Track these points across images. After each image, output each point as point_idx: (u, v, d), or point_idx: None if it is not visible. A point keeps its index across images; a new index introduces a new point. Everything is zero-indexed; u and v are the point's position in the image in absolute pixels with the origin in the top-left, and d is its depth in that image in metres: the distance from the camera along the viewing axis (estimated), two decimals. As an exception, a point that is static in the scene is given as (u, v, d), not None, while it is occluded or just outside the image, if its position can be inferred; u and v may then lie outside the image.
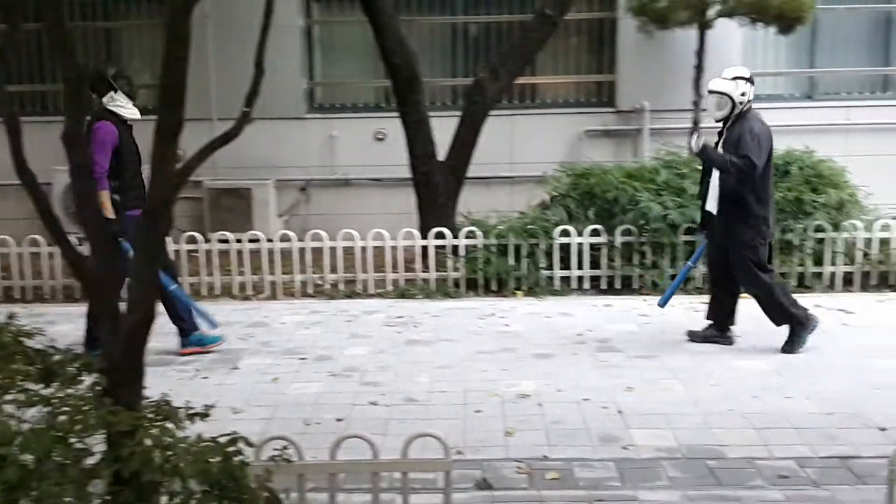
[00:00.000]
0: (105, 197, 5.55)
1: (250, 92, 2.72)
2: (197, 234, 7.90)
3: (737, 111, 5.74)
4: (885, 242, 7.63)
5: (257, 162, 9.93)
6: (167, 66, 2.46)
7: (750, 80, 5.76)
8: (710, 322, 6.15)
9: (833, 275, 7.64)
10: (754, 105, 5.84)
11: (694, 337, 6.17)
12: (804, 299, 6.14)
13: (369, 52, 9.99)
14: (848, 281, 7.64)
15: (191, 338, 6.06)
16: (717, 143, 5.90)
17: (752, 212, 5.72)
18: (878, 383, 5.22)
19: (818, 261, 7.63)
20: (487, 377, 5.48)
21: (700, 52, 9.16)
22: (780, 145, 7.97)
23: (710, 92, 5.82)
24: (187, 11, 2.40)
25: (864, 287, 7.61)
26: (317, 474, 3.24)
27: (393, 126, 9.14)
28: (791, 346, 5.86)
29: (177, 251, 7.74)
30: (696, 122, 9.26)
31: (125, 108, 5.74)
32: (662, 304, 6.27)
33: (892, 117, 10.12)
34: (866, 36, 10.42)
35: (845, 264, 7.63)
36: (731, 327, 6.12)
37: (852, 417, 4.68)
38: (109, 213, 5.55)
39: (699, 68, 9.18)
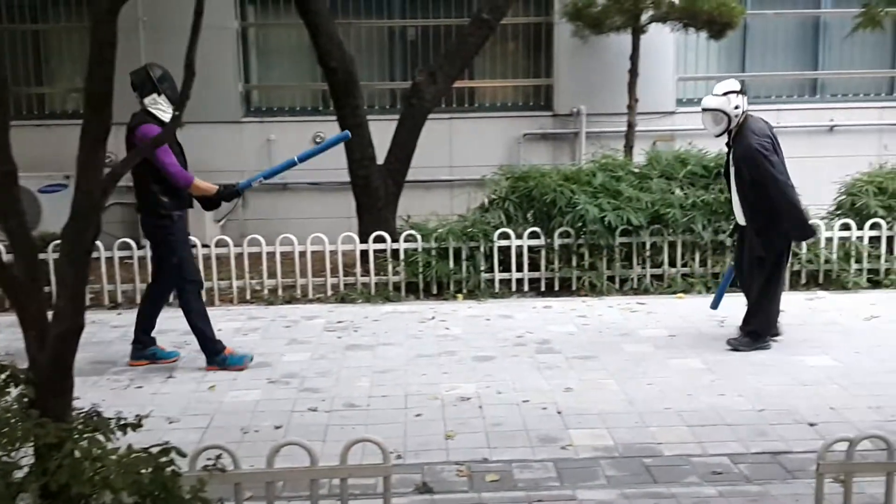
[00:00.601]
0: (199, 182, 5.61)
1: (181, 95, 2.68)
2: (130, 241, 7.74)
3: (734, 124, 5.83)
4: (813, 242, 7.83)
5: (193, 166, 9.73)
6: (93, 70, 2.41)
7: (742, 92, 5.85)
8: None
9: (764, 274, 7.81)
10: (751, 110, 5.96)
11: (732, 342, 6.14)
12: (736, 298, 6.26)
13: (306, 55, 9.94)
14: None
15: (146, 351, 5.94)
16: (728, 156, 6.03)
17: (780, 216, 5.80)
18: (807, 380, 5.36)
19: (750, 260, 7.80)
20: (428, 381, 5.48)
21: (634, 57, 9.31)
22: (713, 149, 8.19)
23: (705, 110, 5.88)
24: (112, 14, 2.35)
25: (794, 286, 7.80)
26: (254, 483, 3.20)
27: (331, 129, 9.08)
28: (740, 343, 5.99)
29: (109, 258, 7.59)
30: (630, 126, 9.42)
31: (166, 112, 5.51)
32: (715, 307, 6.33)
33: (820, 120, 10.44)
34: (795, 40, 10.72)
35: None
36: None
37: (783, 413, 4.80)
38: (213, 187, 5.67)
39: (634, 72, 9.34)
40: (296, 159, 6.01)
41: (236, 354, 5.82)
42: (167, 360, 5.93)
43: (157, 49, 9.56)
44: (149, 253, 7.59)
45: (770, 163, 5.71)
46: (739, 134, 5.84)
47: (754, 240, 5.94)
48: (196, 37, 2.74)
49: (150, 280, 6.07)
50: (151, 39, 9.67)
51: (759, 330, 6.01)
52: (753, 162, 5.74)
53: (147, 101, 5.54)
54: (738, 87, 5.88)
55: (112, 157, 9.06)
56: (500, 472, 4.11)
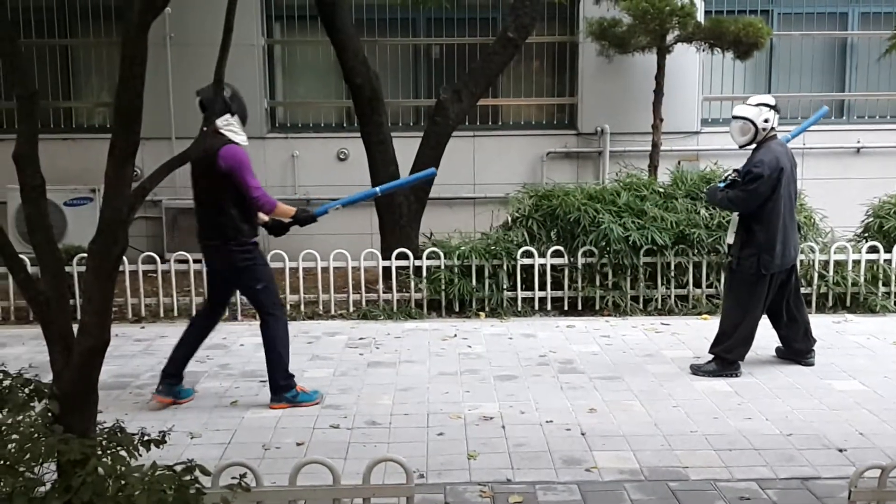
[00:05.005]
0: (281, 206, 5.24)
1: (209, 111, 2.68)
2: (155, 255, 7.78)
3: (759, 137, 5.78)
4: (840, 265, 7.75)
5: (217, 182, 9.82)
6: (123, 86, 2.41)
7: (774, 108, 5.79)
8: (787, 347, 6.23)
9: (791, 296, 7.72)
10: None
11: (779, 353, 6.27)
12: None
13: (331, 72, 10.00)
14: (805, 303, 7.72)
15: (175, 388, 5.44)
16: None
17: (754, 240, 5.75)
18: (836, 404, 5.27)
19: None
20: (450, 399, 5.44)
21: (659, 77, 9.27)
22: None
23: (735, 118, 5.83)
24: (143, 30, 2.35)
25: (821, 309, 7.71)
26: (276, 501, 3.18)
27: (355, 146, 9.13)
28: (701, 368, 5.93)
29: (134, 272, 7.62)
30: (655, 145, 9.37)
31: (238, 133, 5.15)
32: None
33: (847, 142, 10.34)
34: (821, 61, 10.64)
35: (803, 286, 7.71)
36: (813, 348, 6.14)
37: (812, 438, 4.72)
38: (291, 210, 5.33)
39: (658, 92, 9.29)
40: (378, 190, 5.92)
41: (308, 391, 5.44)
42: (188, 398, 5.52)
43: (184, 65, 9.68)
44: (167, 268, 7.67)
45: (750, 189, 5.65)
46: (757, 149, 5.79)
47: (733, 252, 5.92)
48: (226, 53, 2.74)
49: (199, 312, 5.60)
50: (179, 55, 9.76)
51: (723, 355, 5.90)
52: (746, 175, 5.71)
53: (220, 122, 5.06)
54: (772, 101, 5.82)
55: (138, 173, 9.16)
56: (523, 494, 4.06)
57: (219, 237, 5.20)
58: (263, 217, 5.39)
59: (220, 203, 5.13)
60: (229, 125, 5.13)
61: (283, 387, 5.35)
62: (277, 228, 5.45)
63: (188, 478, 2.46)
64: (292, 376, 5.41)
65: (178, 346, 5.46)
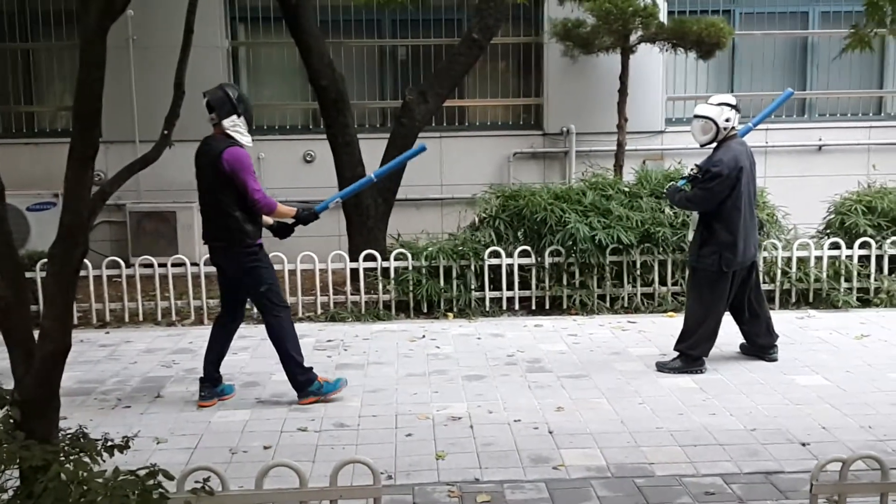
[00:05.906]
0: (281, 207, 5.27)
1: (170, 114, 2.67)
2: (119, 259, 7.70)
3: (721, 136, 5.83)
4: (803, 261, 7.86)
5: (182, 185, 9.72)
6: (81, 89, 2.40)
7: (735, 107, 5.85)
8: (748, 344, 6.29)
9: (755, 293, 7.82)
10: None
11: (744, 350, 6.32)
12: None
13: (296, 74, 9.95)
14: (769, 299, 7.83)
15: (217, 388, 5.50)
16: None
17: (715, 238, 5.81)
18: (799, 399, 5.35)
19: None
20: (418, 400, 5.45)
21: (624, 77, 9.35)
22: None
23: (696, 116, 5.88)
24: (101, 34, 2.34)
25: (785, 305, 7.82)
26: (242, 505, 3.16)
27: (321, 148, 9.10)
28: (666, 365, 5.99)
29: (98, 276, 7.54)
30: (620, 145, 9.45)
31: (243, 135, 5.18)
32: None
33: (808, 140, 10.49)
34: (783, 60, 10.79)
35: (766, 283, 7.83)
36: (776, 343, 6.21)
37: (775, 433, 4.78)
38: (292, 210, 5.36)
39: (623, 92, 9.37)
40: (373, 177, 5.92)
41: (330, 381, 5.46)
42: (231, 394, 5.57)
43: (147, 68, 9.58)
44: (132, 272, 7.60)
45: (709, 187, 5.73)
46: (717, 149, 5.86)
47: (692, 250, 6.02)
48: (186, 55, 2.74)
49: (223, 314, 5.56)
50: (141, 58, 9.67)
51: (688, 352, 5.97)
52: (705, 174, 5.78)
53: (227, 122, 5.11)
54: (733, 101, 5.89)
55: (101, 176, 9.06)
56: (491, 493, 4.07)
57: (224, 239, 5.24)
58: (268, 220, 5.45)
59: (225, 205, 5.16)
60: (235, 126, 5.17)
61: (303, 382, 5.38)
62: (282, 230, 5.52)
63: (151, 482, 2.45)
64: (310, 369, 5.42)
65: (207, 353, 5.50)
